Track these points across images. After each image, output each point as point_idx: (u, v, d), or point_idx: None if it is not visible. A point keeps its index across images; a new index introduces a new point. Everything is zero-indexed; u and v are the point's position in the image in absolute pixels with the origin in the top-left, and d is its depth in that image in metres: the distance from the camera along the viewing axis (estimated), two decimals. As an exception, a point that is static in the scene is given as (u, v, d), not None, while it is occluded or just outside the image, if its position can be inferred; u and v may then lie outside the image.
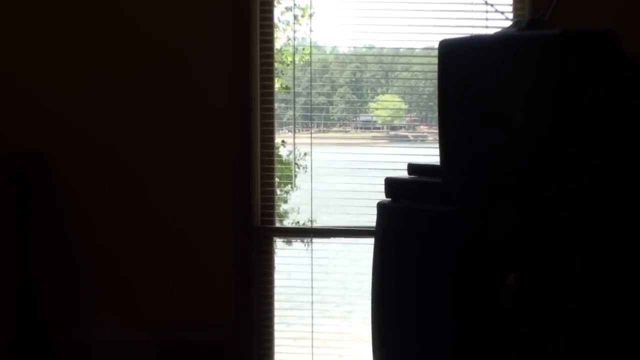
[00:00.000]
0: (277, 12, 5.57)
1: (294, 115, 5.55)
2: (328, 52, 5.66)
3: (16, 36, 5.55)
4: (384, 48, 5.50)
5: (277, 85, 5.57)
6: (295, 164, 5.59)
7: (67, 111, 5.54)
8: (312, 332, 5.54)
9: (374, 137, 5.48)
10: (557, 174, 3.93)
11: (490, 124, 4.19)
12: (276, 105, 5.55)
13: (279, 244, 5.57)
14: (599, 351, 3.87)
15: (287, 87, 5.60)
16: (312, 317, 5.53)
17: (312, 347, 5.54)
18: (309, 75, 5.54)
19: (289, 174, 5.63)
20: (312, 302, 5.52)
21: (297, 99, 5.59)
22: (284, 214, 5.60)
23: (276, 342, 5.57)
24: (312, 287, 5.53)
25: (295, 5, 5.52)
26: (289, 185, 5.62)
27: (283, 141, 5.58)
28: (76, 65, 5.54)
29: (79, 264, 5.54)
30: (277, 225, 5.54)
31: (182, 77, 5.45)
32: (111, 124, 5.51)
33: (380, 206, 4.58)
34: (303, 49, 5.55)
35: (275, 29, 5.53)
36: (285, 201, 5.66)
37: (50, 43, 5.56)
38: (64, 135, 5.53)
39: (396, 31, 5.29)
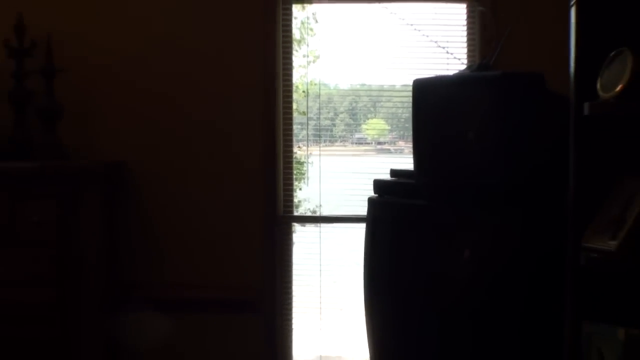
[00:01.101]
0: (296, 57, 5.59)
1: (307, 133, 5.61)
2: (332, 88, 5.69)
3: (108, 71, 5.61)
4: (372, 85, 5.53)
5: (294, 110, 5.62)
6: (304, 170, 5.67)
7: (141, 128, 5.61)
8: (320, 291, 5.62)
9: (365, 150, 5.54)
10: (496, 177, 4.04)
11: (450, 141, 4.30)
12: (294, 125, 5.61)
13: (296, 227, 5.62)
14: (526, 297, 3.96)
15: (303, 112, 5.63)
16: (320, 280, 5.62)
17: (320, 302, 5.63)
18: (318, 104, 5.61)
19: (302, 176, 5.68)
20: (320, 270, 5.60)
21: (309, 122, 5.63)
22: (298, 204, 5.65)
23: (294, 298, 5.62)
24: (320, 259, 5.61)
25: (307, 53, 5.57)
26: (302, 184, 5.67)
27: (299, 146, 5.64)
28: (150, 92, 5.60)
29: (152, 238, 5.63)
30: (295, 214, 5.60)
31: (229, 102, 5.53)
32: (175, 137, 5.60)
33: (370, 200, 4.69)
34: (312, 84, 5.60)
35: (293, 69, 5.59)
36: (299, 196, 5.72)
37: (133, 77, 5.61)
38: (140, 147, 5.58)
39: (381, 73, 5.38)
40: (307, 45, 5.58)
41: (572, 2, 3.01)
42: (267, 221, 5.50)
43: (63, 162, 5.19)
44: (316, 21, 5.57)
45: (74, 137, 5.42)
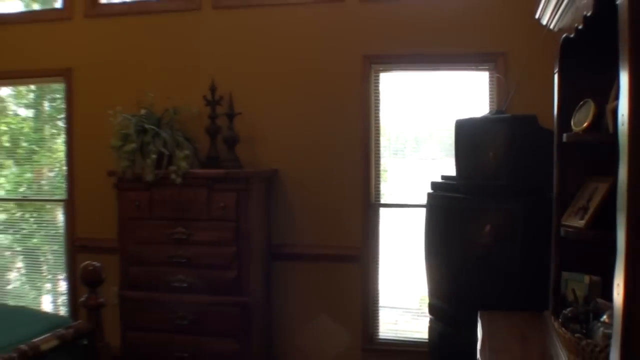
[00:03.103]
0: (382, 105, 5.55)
1: (389, 152, 5.58)
2: (403, 123, 5.65)
3: (263, 113, 5.67)
4: (429, 121, 5.49)
5: (381, 136, 5.57)
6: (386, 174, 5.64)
7: (286, 149, 5.64)
8: (394, 251, 5.56)
9: (425, 163, 5.51)
10: (506, 180, 4.01)
11: (477, 157, 4.28)
12: (381, 147, 5.55)
13: (381, 210, 5.57)
14: (525, 255, 3.92)
15: (388, 138, 5.57)
16: (394, 244, 5.55)
17: (393, 256, 5.56)
18: (396, 134, 5.54)
19: (385, 178, 5.64)
20: (394, 238, 5.54)
21: (390, 144, 5.59)
22: (382, 195, 5.59)
23: (379, 254, 5.58)
24: (395, 231, 5.54)
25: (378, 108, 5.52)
26: (385, 183, 5.64)
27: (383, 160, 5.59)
28: (290, 125, 5.63)
29: (291, 216, 5.66)
30: (381, 202, 5.56)
31: (342, 131, 5.51)
32: (307, 154, 5.60)
33: (428, 194, 4.68)
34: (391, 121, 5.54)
35: (380, 111, 5.54)
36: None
37: (279, 118, 5.65)
38: (285, 160, 5.62)
39: (434, 114, 5.35)
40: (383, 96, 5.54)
41: (555, 71, 2.98)
42: (365, 206, 5.49)
43: (239, 170, 5.30)
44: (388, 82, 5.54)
45: (245, 154, 5.54)
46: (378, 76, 5.49)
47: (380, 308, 5.56)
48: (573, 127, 2.78)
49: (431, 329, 4.80)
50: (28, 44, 6.21)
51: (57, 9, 6.23)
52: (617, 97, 2.02)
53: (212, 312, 5.16)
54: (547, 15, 3.10)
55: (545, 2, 3.05)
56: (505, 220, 4.12)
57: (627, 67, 1.48)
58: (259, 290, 5.33)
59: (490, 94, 5.15)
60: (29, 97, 6.62)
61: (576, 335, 2.37)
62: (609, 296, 2.23)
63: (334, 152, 5.51)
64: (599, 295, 2.69)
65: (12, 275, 6.70)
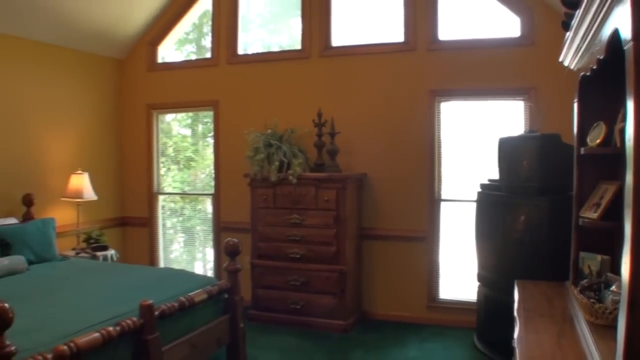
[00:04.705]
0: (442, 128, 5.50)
1: (447, 160, 5.50)
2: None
3: (356, 132, 5.66)
4: (478, 139, 5.40)
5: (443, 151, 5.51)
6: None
7: (372, 157, 5.63)
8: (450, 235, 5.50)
9: (475, 169, 5.42)
10: (536, 183, 3.93)
11: (514, 165, 4.21)
12: (442, 156, 5.48)
13: (442, 204, 5.50)
14: (550, 239, 3.86)
15: None
16: (452, 230, 5.49)
17: (458, 238, 5.50)
18: (454, 150, 5.49)
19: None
20: (452, 225, 5.48)
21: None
22: (443, 192, 5.54)
23: (440, 237, 5.50)
24: (451, 220, 5.49)
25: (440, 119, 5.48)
26: (444, 184, 5.57)
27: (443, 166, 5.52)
28: (373, 139, 5.62)
29: (375, 207, 5.63)
30: (442, 197, 5.48)
31: (414, 144, 5.46)
32: (388, 161, 5.57)
33: (478, 192, 4.67)
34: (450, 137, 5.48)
35: (441, 129, 5.47)
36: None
37: (366, 133, 5.65)
38: (372, 165, 5.60)
39: (480, 133, 5.28)
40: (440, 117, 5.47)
41: (575, 100, 2.94)
42: (430, 200, 5.45)
43: (338, 174, 5.32)
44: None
45: (343, 162, 5.59)
46: (440, 105, 5.41)
47: (440, 276, 5.48)
48: (589, 143, 2.74)
49: (479, 293, 4.79)
50: (187, 83, 6.44)
51: (207, 58, 6.41)
52: (623, 120, 2.01)
53: (317, 276, 5.26)
54: (569, 58, 3.06)
55: (567, 48, 3.00)
56: (535, 212, 4.08)
57: (633, 96, 1.49)
58: (351, 261, 5.38)
59: (524, 118, 5.06)
60: (187, 121, 6.84)
61: (591, 300, 2.34)
62: (616, 271, 2.21)
63: (407, 160, 5.47)
64: (608, 270, 2.64)
65: (175, 247, 6.90)
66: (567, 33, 2.89)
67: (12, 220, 5.00)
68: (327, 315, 5.22)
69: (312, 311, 5.28)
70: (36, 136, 5.58)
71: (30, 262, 4.55)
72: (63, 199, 5.69)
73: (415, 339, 5.00)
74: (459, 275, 5.42)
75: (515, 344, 2.29)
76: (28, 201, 5.26)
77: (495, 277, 4.47)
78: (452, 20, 5.42)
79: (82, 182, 5.66)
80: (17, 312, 2.44)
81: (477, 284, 4.81)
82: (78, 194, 5.62)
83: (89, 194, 5.73)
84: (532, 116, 4.92)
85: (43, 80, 5.63)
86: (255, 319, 5.44)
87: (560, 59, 3.23)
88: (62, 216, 5.69)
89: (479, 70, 5.18)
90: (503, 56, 5.12)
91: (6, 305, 2.37)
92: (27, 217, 5.21)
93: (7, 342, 2.38)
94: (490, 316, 4.56)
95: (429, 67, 5.38)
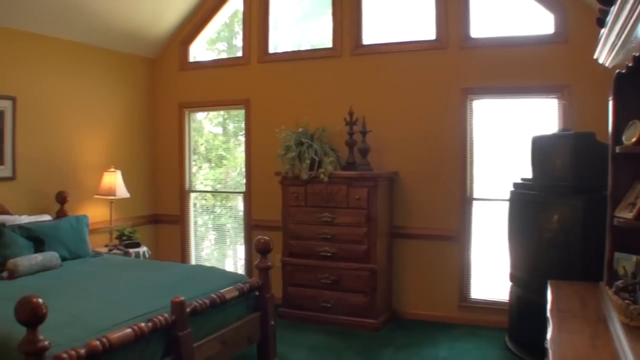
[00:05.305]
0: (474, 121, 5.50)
1: (480, 159, 5.48)
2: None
3: (387, 130, 5.67)
4: (511, 137, 5.35)
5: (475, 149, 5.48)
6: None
7: (403, 156, 5.62)
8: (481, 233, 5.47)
9: (509, 168, 5.37)
10: (571, 181, 3.91)
11: (548, 164, 4.18)
12: (474, 155, 5.45)
13: (474, 202, 5.47)
14: (585, 239, 3.82)
15: None
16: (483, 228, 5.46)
17: (483, 237, 5.49)
18: (486, 148, 5.47)
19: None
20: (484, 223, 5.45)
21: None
22: (474, 191, 5.51)
23: (472, 236, 5.47)
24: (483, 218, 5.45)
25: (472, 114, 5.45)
26: (476, 184, 5.54)
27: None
28: (406, 140, 5.61)
29: (406, 205, 5.62)
30: (474, 196, 5.44)
31: (446, 142, 5.45)
32: (420, 160, 5.56)
33: (511, 191, 4.64)
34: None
35: (473, 126, 5.44)
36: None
37: (399, 132, 5.64)
38: (403, 164, 5.61)
39: (512, 131, 5.23)
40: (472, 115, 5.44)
41: (610, 98, 2.91)
42: (462, 199, 5.43)
43: (369, 172, 5.34)
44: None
45: (374, 160, 5.58)
46: (472, 103, 5.39)
47: (472, 275, 5.45)
48: (624, 141, 2.71)
49: (511, 293, 4.76)
50: (218, 82, 6.52)
51: (238, 57, 6.47)
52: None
53: (348, 274, 5.28)
54: (603, 55, 3.03)
55: (602, 45, 2.97)
56: (569, 212, 4.04)
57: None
58: (382, 259, 5.39)
59: (558, 116, 5.01)
60: (218, 119, 6.92)
61: (626, 301, 2.32)
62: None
63: (439, 159, 5.44)
64: (644, 271, 2.62)
65: (206, 244, 6.98)
66: (602, 30, 2.86)
67: (46, 217, 5.08)
68: (358, 314, 5.24)
69: (342, 309, 5.31)
70: (70, 134, 5.70)
71: (63, 259, 4.63)
72: (96, 196, 5.81)
73: (446, 338, 4.98)
74: (490, 275, 5.39)
75: (548, 345, 2.28)
76: (62, 198, 5.34)
77: (528, 277, 4.43)
78: (484, 18, 5.39)
79: (114, 180, 5.75)
80: (50, 308, 2.50)
81: (509, 283, 4.78)
82: (111, 192, 5.72)
83: (122, 191, 5.82)
84: (566, 114, 4.88)
85: (78, 79, 5.77)
86: (286, 317, 5.48)
87: (595, 56, 3.20)
88: (95, 213, 5.80)
89: (512, 67, 5.14)
90: (536, 53, 5.08)
91: (40, 300, 2.43)
92: (60, 214, 5.29)
93: (41, 337, 2.42)
94: (522, 316, 4.53)
95: (461, 65, 5.37)
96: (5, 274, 4.10)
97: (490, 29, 5.36)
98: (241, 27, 6.37)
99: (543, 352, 2.41)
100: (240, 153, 6.50)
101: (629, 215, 2.65)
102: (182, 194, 6.73)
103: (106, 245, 5.75)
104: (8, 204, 4.93)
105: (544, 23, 5.12)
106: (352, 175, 5.25)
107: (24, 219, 4.82)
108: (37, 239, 4.56)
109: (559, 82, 4.96)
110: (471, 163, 5.42)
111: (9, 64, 5.05)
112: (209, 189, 6.79)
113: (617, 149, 2.75)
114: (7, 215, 4.76)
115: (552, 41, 5.04)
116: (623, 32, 2.38)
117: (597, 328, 2.44)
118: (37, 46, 5.30)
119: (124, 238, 5.89)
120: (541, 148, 4.36)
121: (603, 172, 3.04)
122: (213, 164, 6.79)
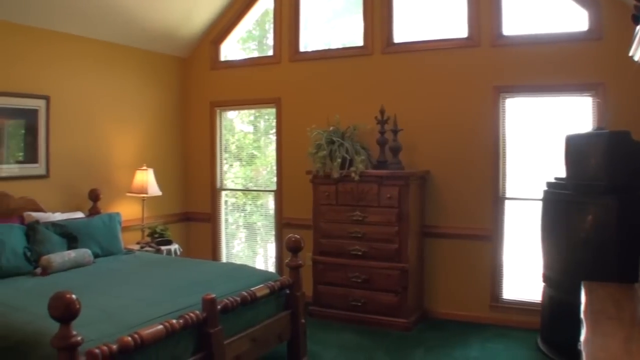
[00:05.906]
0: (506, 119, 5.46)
1: (512, 158, 5.46)
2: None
3: (419, 128, 5.67)
4: (544, 136, 5.30)
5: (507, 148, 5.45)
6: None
7: (435, 155, 5.62)
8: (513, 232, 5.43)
9: (542, 167, 5.32)
10: (605, 181, 3.87)
11: (582, 163, 4.15)
12: (507, 154, 5.43)
13: (506, 202, 5.43)
14: (618, 239, 3.79)
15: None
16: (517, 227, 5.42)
17: (516, 237, 5.44)
18: (519, 147, 5.42)
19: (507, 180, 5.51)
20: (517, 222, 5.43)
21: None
22: (507, 191, 5.47)
23: (505, 235, 5.43)
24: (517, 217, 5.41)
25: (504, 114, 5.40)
26: (509, 184, 5.50)
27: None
28: (437, 140, 5.60)
29: (438, 204, 5.61)
30: (506, 196, 5.40)
31: (479, 141, 5.43)
32: (451, 159, 5.55)
33: (544, 191, 4.63)
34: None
35: (506, 124, 5.41)
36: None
37: (429, 131, 5.64)
38: (434, 163, 5.60)
39: (546, 130, 5.19)
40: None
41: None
42: (494, 199, 5.41)
43: (401, 171, 5.35)
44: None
45: (406, 159, 5.59)
46: (504, 101, 5.35)
47: (504, 275, 5.42)
48: (660, 141, 2.69)
49: (544, 293, 4.73)
50: (249, 81, 6.60)
51: (269, 56, 6.55)
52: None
53: (378, 273, 5.30)
54: (639, 53, 2.99)
55: (637, 42, 2.94)
56: (603, 212, 4.02)
57: None
58: (414, 258, 5.40)
59: (592, 115, 4.96)
60: (250, 118, 6.99)
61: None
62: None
63: (471, 158, 5.43)
64: (679, 272, 2.59)
65: (236, 242, 7.06)
66: (638, 27, 2.83)
67: (79, 215, 5.20)
68: (388, 313, 5.26)
69: (373, 308, 5.33)
70: (103, 133, 5.83)
71: (96, 255, 4.72)
72: (128, 194, 5.92)
73: (477, 339, 4.96)
74: (523, 275, 5.35)
75: (582, 347, 2.27)
76: (94, 196, 5.46)
77: (561, 277, 4.40)
78: (517, 15, 5.36)
79: (146, 178, 5.86)
80: (83, 304, 2.56)
81: (542, 284, 4.75)
82: (143, 190, 5.82)
83: (154, 189, 5.93)
84: (600, 112, 4.83)
85: (111, 78, 5.90)
86: (316, 315, 5.52)
87: (630, 54, 3.17)
88: (128, 211, 5.91)
89: (545, 65, 5.13)
90: (570, 51, 5.03)
91: (73, 296, 2.49)
92: (93, 212, 5.40)
93: (74, 332, 2.48)
94: (555, 318, 4.50)
95: (493, 62, 5.35)
96: (38, 270, 4.19)
97: (523, 26, 5.33)
98: (272, 26, 6.46)
99: (575, 354, 2.40)
100: (271, 151, 6.56)
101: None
102: (213, 192, 6.81)
103: (138, 243, 5.86)
104: (42, 202, 5.04)
105: (577, 20, 5.07)
106: (383, 174, 5.27)
107: (57, 216, 4.91)
108: (70, 236, 4.66)
109: (593, 80, 4.90)
110: (504, 162, 5.39)
111: (43, 64, 5.17)
112: (239, 187, 6.89)
113: (653, 149, 2.73)
114: (40, 213, 4.87)
115: (586, 38, 4.99)
116: (659, 30, 2.36)
117: (632, 331, 2.43)
118: (71, 46, 5.43)
119: (156, 235, 6.01)
120: (575, 147, 4.33)
121: (638, 172, 3.02)
122: (244, 162, 6.88)
